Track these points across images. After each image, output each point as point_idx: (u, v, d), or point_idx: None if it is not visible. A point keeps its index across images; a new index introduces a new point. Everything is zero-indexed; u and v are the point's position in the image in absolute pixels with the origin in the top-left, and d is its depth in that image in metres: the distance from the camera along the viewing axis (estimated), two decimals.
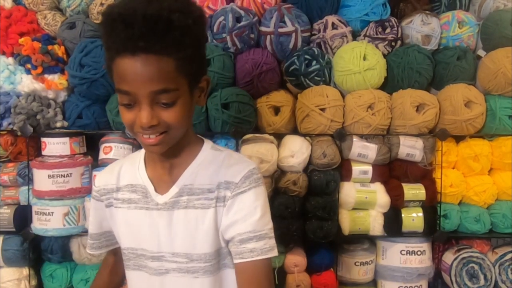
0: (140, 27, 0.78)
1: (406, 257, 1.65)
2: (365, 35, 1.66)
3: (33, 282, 1.66)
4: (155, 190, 0.97)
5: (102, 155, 1.61)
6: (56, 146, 1.59)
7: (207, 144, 1.01)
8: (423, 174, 1.66)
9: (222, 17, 1.58)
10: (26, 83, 1.61)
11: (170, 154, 0.95)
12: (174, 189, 0.95)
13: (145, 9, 0.79)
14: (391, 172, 1.68)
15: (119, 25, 0.80)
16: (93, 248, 1.11)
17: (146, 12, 0.79)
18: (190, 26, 0.84)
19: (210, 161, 0.97)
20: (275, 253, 0.92)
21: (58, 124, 1.63)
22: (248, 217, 0.91)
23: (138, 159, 1.03)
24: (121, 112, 0.88)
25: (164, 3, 0.81)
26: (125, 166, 1.04)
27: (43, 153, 1.60)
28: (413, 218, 1.64)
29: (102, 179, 1.05)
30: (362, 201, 1.62)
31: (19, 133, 1.59)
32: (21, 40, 1.60)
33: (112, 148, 1.59)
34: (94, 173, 1.61)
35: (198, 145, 0.99)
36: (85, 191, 1.60)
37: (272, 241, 0.92)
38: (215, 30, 1.60)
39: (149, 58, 0.80)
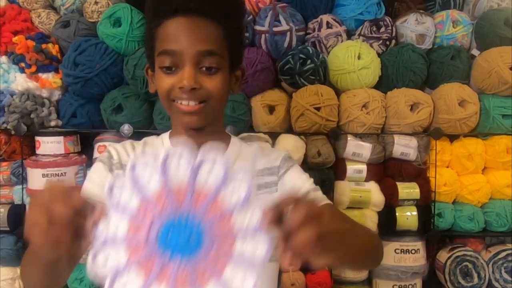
0: None
1: (401, 255, 1.65)
2: (359, 34, 1.66)
3: None
4: None
5: (96, 154, 1.60)
6: (50, 145, 1.58)
7: (234, 137, 1.02)
8: (417, 173, 1.67)
9: None
10: (20, 81, 1.60)
11: (202, 140, 0.86)
12: None
13: None
14: (386, 171, 1.69)
15: None
16: None
17: None
18: (237, 3, 0.92)
19: (243, 152, 0.98)
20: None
21: (52, 123, 1.62)
22: (303, 183, 0.96)
23: (160, 143, 0.98)
24: (159, 78, 0.87)
25: None
26: (147, 148, 0.97)
27: (37, 152, 1.60)
28: (407, 217, 1.64)
29: (122, 151, 0.96)
30: (356, 200, 1.62)
31: (13, 132, 1.59)
32: (15, 39, 1.59)
33: (106, 147, 1.59)
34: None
35: (227, 136, 1.01)
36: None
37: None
38: None
39: (200, 20, 0.84)
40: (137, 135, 1.58)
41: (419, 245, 1.67)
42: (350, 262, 0.81)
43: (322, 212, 0.60)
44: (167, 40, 0.85)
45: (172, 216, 0.57)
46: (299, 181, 0.96)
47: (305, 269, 1.64)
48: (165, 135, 0.99)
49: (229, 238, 0.58)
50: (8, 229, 1.61)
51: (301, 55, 1.60)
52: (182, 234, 0.57)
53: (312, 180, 0.98)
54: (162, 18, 0.86)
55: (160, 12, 0.86)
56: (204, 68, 0.85)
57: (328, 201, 0.95)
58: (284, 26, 1.60)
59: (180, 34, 0.84)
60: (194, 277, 0.58)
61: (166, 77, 0.86)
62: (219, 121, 0.98)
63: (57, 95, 1.65)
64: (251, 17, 1.63)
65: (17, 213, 1.62)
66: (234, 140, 1.00)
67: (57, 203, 0.58)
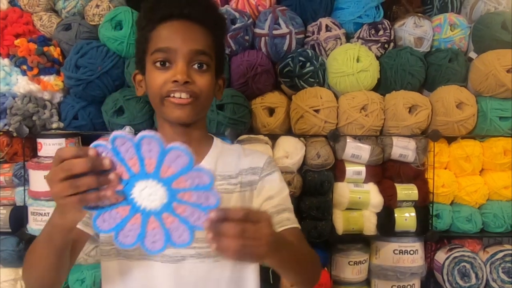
0: None
1: (399, 256, 1.67)
2: (358, 37, 1.68)
3: None
4: None
5: None
6: (52, 147, 1.59)
7: (216, 138, 1.08)
8: (415, 174, 1.68)
9: None
10: (22, 84, 1.61)
11: (187, 140, 0.94)
12: None
13: None
14: (384, 172, 1.70)
15: None
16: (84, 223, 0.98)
17: None
18: (222, 16, 1.04)
19: (226, 152, 1.05)
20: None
21: (54, 125, 1.63)
22: (279, 193, 1.01)
23: None
24: (151, 75, 0.94)
25: None
26: None
27: (39, 154, 1.60)
28: (405, 218, 1.66)
29: None
30: (355, 201, 1.64)
31: (15, 134, 1.60)
32: (16, 42, 1.60)
33: None
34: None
35: (210, 137, 1.07)
36: None
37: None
38: None
39: (192, 24, 0.93)
40: None
41: (417, 245, 1.68)
42: (286, 271, 0.87)
43: (258, 219, 0.69)
44: (162, 39, 0.92)
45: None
46: (277, 189, 1.02)
47: None
48: None
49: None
50: (10, 230, 1.62)
51: (300, 58, 1.62)
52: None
53: (288, 191, 1.04)
54: (156, 22, 0.93)
55: (155, 17, 0.94)
56: (195, 66, 0.92)
57: (298, 225, 1.01)
58: (283, 29, 1.61)
59: (174, 34, 0.92)
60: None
61: (159, 73, 0.92)
62: (203, 121, 1.05)
63: (58, 97, 1.66)
64: (251, 20, 1.64)
65: (18, 215, 1.63)
66: (216, 141, 1.06)
67: (74, 155, 0.66)
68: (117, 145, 0.67)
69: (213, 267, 0.97)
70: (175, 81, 0.89)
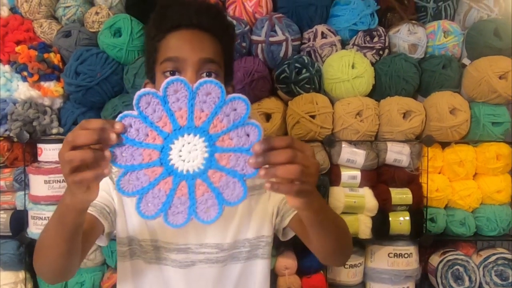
0: (195, 7, 0.93)
1: (394, 259, 1.69)
2: (353, 44, 1.71)
3: (29, 286, 1.68)
4: None
5: None
6: (52, 152, 1.62)
7: None
8: (410, 179, 1.71)
9: None
10: (23, 90, 1.64)
11: None
12: None
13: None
14: (379, 177, 1.73)
15: (176, 6, 0.94)
16: None
17: (200, 0, 0.96)
18: (231, 25, 1.05)
19: None
20: None
21: (54, 131, 1.66)
22: None
23: None
24: (160, 84, 0.92)
25: (213, 2, 1.01)
26: None
27: (39, 159, 1.64)
28: (400, 221, 1.68)
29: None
30: (351, 205, 1.66)
31: (15, 139, 1.62)
32: (17, 48, 1.63)
33: None
34: None
35: None
36: None
37: None
38: None
39: (201, 33, 0.93)
40: None
41: (412, 249, 1.71)
42: (323, 226, 0.83)
43: (309, 150, 0.67)
44: (171, 49, 0.92)
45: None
46: None
47: (301, 272, 1.68)
48: None
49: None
50: (10, 234, 1.65)
51: (296, 64, 1.64)
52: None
53: None
54: (165, 32, 0.94)
55: (164, 27, 0.94)
56: (204, 74, 0.92)
57: None
58: (280, 36, 1.64)
59: (183, 44, 0.92)
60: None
61: None
62: None
63: (58, 103, 1.69)
64: (248, 27, 1.67)
65: (19, 219, 1.65)
66: None
67: (78, 129, 0.64)
68: (169, 93, 0.65)
69: (222, 271, 1.00)
70: None
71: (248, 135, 0.66)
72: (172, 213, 0.68)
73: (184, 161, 0.67)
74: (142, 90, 0.66)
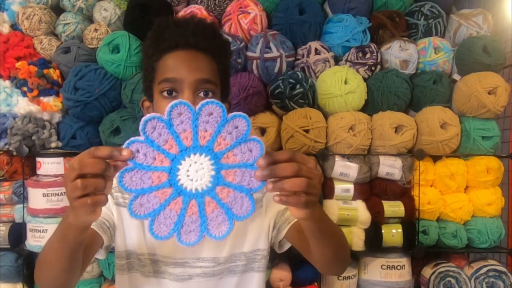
0: (191, 28, 0.95)
1: (387, 271, 1.72)
2: (346, 60, 1.75)
3: None
4: None
5: None
6: (50, 166, 1.64)
7: None
8: (402, 192, 1.74)
9: None
10: (22, 105, 1.67)
11: None
12: None
13: (196, 18, 0.98)
14: (372, 190, 1.75)
15: (173, 26, 0.96)
16: None
17: (197, 20, 0.97)
18: (227, 43, 1.06)
19: None
20: None
21: (53, 145, 1.68)
22: None
23: None
24: (159, 104, 0.95)
25: (210, 21, 1.02)
26: None
27: (38, 172, 1.66)
28: (393, 234, 1.70)
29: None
30: (344, 218, 1.68)
31: (15, 153, 1.65)
32: (18, 64, 1.66)
33: None
34: None
35: None
36: None
37: None
38: None
39: (198, 53, 0.95)
40: None
41: (404, 261, 1.73)
42: (323, 235, 0.85)
43: (311, 162, 0.70)
44: (168, 70, 0.95)
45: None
46: None
47: (295, 284, 1.70)
48: None
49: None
50: (8, 246, 1.67)
51: (290, 80, 1.68)
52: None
53: None
54: (162, 52, 0.96)
55: (161, 47, 0.96)
56: (201, 94, 0.94)
57: None
58: (274, 53, 1.68)
59: (180, 64, 0.94)
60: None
61: (166, 102, 0.92)
62: None
63: (57, 117, 1.72)
64: (243, 44, 1.71)
65: (17, 231, 1.67)
66: None
67: (86, 157, 0.67)
68: (173, 116, 0.68)
69: (218, 285, 1.03)
70: None
71: (251, 150, 0.70)
72: (184, 232, 0.71)
73: (192, 180, 0.70)
74: (148, 116, 0.69)
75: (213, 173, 0.70)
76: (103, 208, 0.98)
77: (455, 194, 1.76)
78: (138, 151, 0.69)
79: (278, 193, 0.69)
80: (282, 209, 1.04)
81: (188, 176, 0.70)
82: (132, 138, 0.69)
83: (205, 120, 0.69)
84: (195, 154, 0.70)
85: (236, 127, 0.70)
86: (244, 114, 0.69)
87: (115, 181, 0.91)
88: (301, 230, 0.96)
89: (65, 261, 0.80)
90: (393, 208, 1.71)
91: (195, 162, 0.70)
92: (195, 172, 0.70)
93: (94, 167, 0.66)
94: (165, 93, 0.94)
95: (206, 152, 0.70)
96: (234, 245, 1.04)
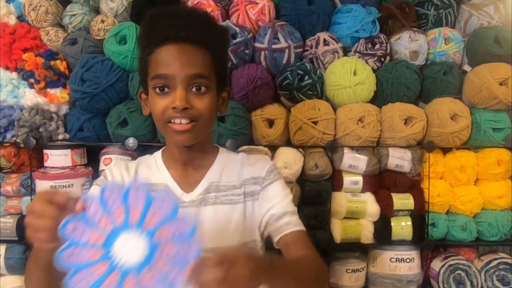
0: (184, 19, 0.92)
1: (396, 264, 1.71)
2: (355, 51, 1.73)
3: None
4: (180, 189, 1.02)
5: (102, 167, 1.66)
6: (58, 158, 1.64)
7: (222, 148, 1.11)
8: (411, 184, 1.73)
9: None
10: (29, 97, 1.67)
11: (193, 154, 1.02)
12: (202, 186, 1.02)
13: (188, 9, 0.97)
14: (381, 182, 1.74)
15: (164, 18, 0.94)
16: None
17: (188, 10, 0.96)
18: (222, 31, 1.03)
19: (231, 162, 1.07)
20: (304, 228, 1.02)
21: (60, 137, 1.68)
22: (281, 201, 1.03)
23: (153, 161, 1.07)
24: (152, 100, 0.96)
25: (203, 11, 0.99)
26: (141, 166, 1.07)
27: (46, 164, 1.66)
28: (402, 226, 1.70)
29: (116, 173, 1.05)
30: (353, 210, 1.68)
31: (22, 145, 1.65)
32: (24, 56, 1.66)
33: (112, 160, 1.65)
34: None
35: (215, 148, 1.10)
36: None
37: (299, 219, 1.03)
38: None
39: (190, 47, 0.93)
40: (141, 148, 1.64)
41: (413, 254, 1.72)
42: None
43: (235, 260, 0.69)
44: (160, 65, 0.93)
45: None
46: (279, 198, 1.03)
47: None
48: (158, 154, 1.09)
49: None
50: (16, 238, 1.67)
51: (299, 71, 1.66)
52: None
53: (291, 197, 1.06)
54: (154, 46, 0.95)
55: (153, 40, 0.95)
56: (194, 89, 0.94)
57: (301, 227, 1.02)
58: (282, 44, 1.66)
59: (171, 60, 0.93)
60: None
61: (159, 99, 0.94)
62: (209, 136, 1.08)
63: (64, 109, 1.72)
64: (251, 34, 1.69)
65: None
66: (221, 151, 1.10)
67: (42, 202, 0.72)
68: (106, 196, 0.71)
69: None
70: (175, 107, 0.91)
71: (182, 228, 0.70)
72: None
73: (126, 255, 0.71)
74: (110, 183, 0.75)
75: (148, 246, 0.70)
76: None
77: (465, 186, 1.75)
78: (75, 228, 0.71)
79: None
80: (275, 217, 1.01)
81: (122, 251, 0.71)
82: (69, 216, 0.71)
83: (134, 199, 0.71)
84: (128, 232, 0.71)
85: (163, 204, 0.71)
86: (168, 191, 0.77)
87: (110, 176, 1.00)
88: (289, 243, 0.99)
89: (41, 276, 0.85)
90: (403, 200, 1.70)
91: (129, 240, 0.70)
92: (130, 250, 0.70)
93: (42, 224, 0.72)
94: (157, 90, 0.94)
95: (139, 229, 0.71)
96: (233, 235, 1.02)
